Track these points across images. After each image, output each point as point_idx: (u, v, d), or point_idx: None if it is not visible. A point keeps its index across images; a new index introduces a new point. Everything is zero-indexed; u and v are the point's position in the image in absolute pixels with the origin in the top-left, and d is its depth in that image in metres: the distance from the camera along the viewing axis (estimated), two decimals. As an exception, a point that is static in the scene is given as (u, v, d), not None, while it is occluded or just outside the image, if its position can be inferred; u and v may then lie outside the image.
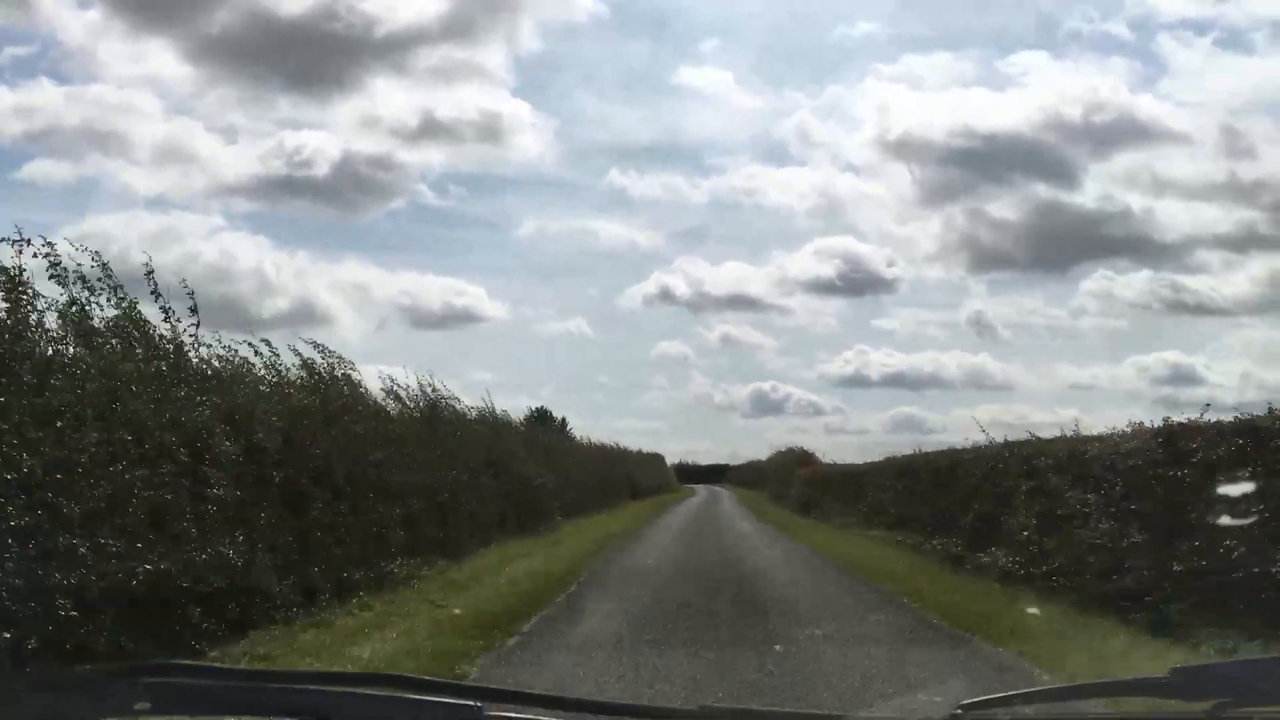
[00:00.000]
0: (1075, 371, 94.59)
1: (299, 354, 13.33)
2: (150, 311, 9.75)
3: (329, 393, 13.32)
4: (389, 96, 75.37)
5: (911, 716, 4.55)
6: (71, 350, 8.21)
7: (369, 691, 1.70)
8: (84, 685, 1.86)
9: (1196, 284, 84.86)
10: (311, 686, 1.75)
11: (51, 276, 8.44)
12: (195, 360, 10.33)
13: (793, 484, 40.21)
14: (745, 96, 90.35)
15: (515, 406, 40.41)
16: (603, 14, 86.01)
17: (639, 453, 57.53)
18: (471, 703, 1.65)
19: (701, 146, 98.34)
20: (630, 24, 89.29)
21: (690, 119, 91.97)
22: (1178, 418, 10.70)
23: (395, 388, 17.13)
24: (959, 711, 1.77)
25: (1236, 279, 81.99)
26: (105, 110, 62.94)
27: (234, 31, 60.11)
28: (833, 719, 2.75)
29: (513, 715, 1.66)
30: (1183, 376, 76.31)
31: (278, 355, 12.44)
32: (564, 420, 42.16)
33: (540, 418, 37.24)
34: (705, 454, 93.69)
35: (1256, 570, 8.33)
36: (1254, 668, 1.97)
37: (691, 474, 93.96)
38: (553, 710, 1.73)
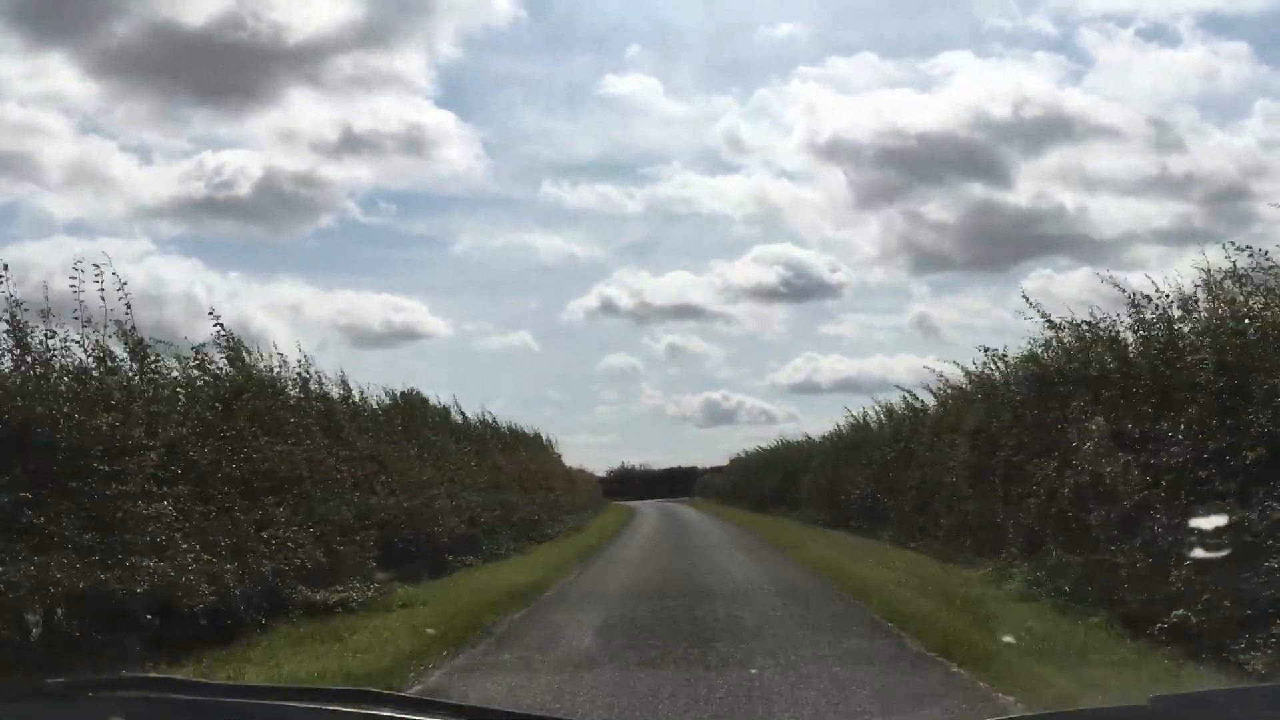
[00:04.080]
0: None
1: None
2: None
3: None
4: (306, 109, 72.50)
5: None
6: None
7: (345, 709, 1.68)
8: (60, 697, 1.84)
9: (1136, 279, 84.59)
10: (288, 703, 1.74)
11: None
12: None
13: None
14: (674, 104, 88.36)
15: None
16: (522, 18, 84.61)
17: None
18: (448, 720, 1.64)
19: (634, 156, 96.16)
20: (551, 29, 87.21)
21: (621, 128, 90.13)
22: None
23: None
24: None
25: (1174, 273, 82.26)
26: (11, 132, 60.91)
27: (135, 44, 57.88)
28: None
29: None
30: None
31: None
32: (446, 410, 23.24)
33: (409, 403, 21.00)
34: (661, 464, 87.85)
35: None
36: (1232, 696, 1.97)
37: (639, 485, 69.56)
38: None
